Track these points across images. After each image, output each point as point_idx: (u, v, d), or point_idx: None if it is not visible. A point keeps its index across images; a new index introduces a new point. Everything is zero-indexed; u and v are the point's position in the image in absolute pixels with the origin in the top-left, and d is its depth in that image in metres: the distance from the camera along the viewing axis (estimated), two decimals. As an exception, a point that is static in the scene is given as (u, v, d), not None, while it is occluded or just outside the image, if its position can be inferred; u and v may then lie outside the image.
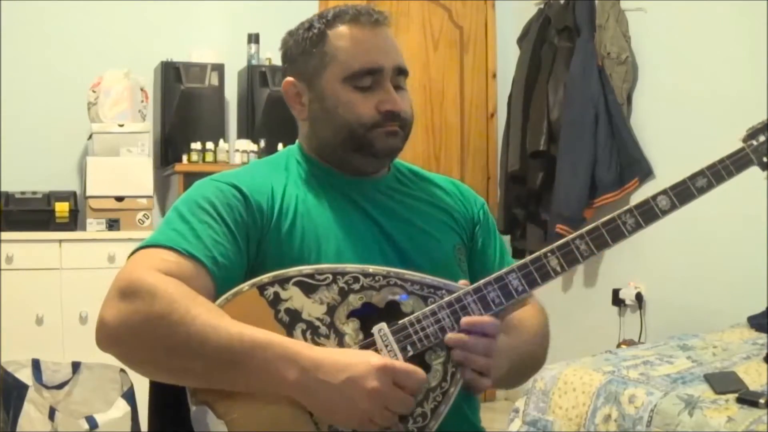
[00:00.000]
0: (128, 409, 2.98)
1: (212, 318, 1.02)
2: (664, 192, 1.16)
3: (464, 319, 1.10)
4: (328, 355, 1.03)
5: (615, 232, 1.14)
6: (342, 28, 1.24)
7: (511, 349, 1.19)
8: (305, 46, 1.26)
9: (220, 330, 1.01)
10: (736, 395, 1.94)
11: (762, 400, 1.88)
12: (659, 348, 2.53)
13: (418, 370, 1.05)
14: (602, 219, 1.15)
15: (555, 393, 2.28)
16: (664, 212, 1.16)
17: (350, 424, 1.03)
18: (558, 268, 1.12)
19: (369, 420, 1.03)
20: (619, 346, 3.39)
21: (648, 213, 1.15)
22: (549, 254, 1.12)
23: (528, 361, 1.30)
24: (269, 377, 1.01)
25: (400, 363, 1.04)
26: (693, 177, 1.17)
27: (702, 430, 1.87)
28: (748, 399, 1.91)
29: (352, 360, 1.02)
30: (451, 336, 1.09)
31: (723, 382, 2.04)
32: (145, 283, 1.03)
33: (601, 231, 1.14)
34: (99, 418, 2.93)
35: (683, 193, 1.16)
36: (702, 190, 1.17)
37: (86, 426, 2.88)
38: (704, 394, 1.98)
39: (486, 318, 1.10)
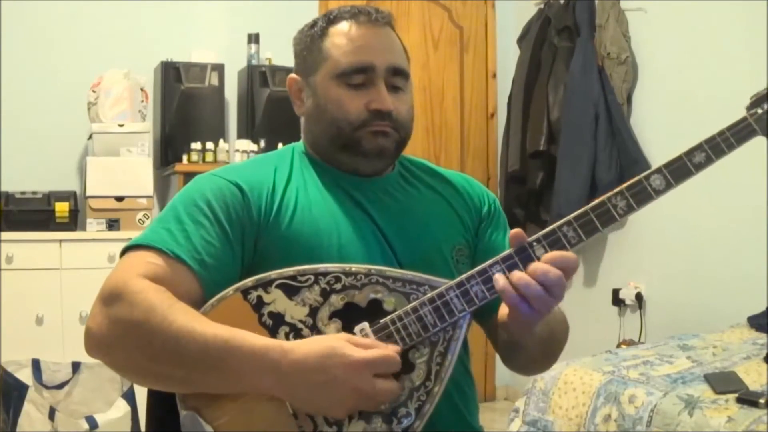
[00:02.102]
0: (128, 409, 2.98)
1: (187, 323, 1.01)
2: (658, 170, 1.07)
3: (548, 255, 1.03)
4: (298, 353, 1.00)
5: (605, 216, 1.06)
6: (340, 26, 1.25)
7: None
8: (306, 42, 1.28)
9: (195, 334, 1.01)
10: (736, 395, 1.94)
11: (762, 400, 1.88)
12: (659, 348, 2.53)
13: (390, 353, 1.02)
14: (591, 203, 1.07)
15: (555, 393, 2.28)
16: (658, 192, 1.07)
17: (340, 416, 1.03)
18: None
19: (358, 408, 1.03)
20: (619, 346, 3.38)
21: (640, 194, 1.07)
22: (534, 243, 1.05)
23: (550, 342, 1.23)
24: (244, 380, 1.01)
25: (372, 354, 1.01)
26: (690, 152, 1.07)
27: (702, 430, 1.87)
28: (748, 399, 1.91)
29: (326, 358, 1.00)
30: (538, 265, 1.03)
31: (723, 382, 2.03)
32: (125, 291, 1.04)
33: (590, 216, 1.06)
34: (99, 418, 2.92)
35: (679, 170, 1.07)
36: (700, 166, 1.07)
37: (86, 426, 2.88)
38: (704, 394, 1.98)
39: (569, 254, 1.04)
